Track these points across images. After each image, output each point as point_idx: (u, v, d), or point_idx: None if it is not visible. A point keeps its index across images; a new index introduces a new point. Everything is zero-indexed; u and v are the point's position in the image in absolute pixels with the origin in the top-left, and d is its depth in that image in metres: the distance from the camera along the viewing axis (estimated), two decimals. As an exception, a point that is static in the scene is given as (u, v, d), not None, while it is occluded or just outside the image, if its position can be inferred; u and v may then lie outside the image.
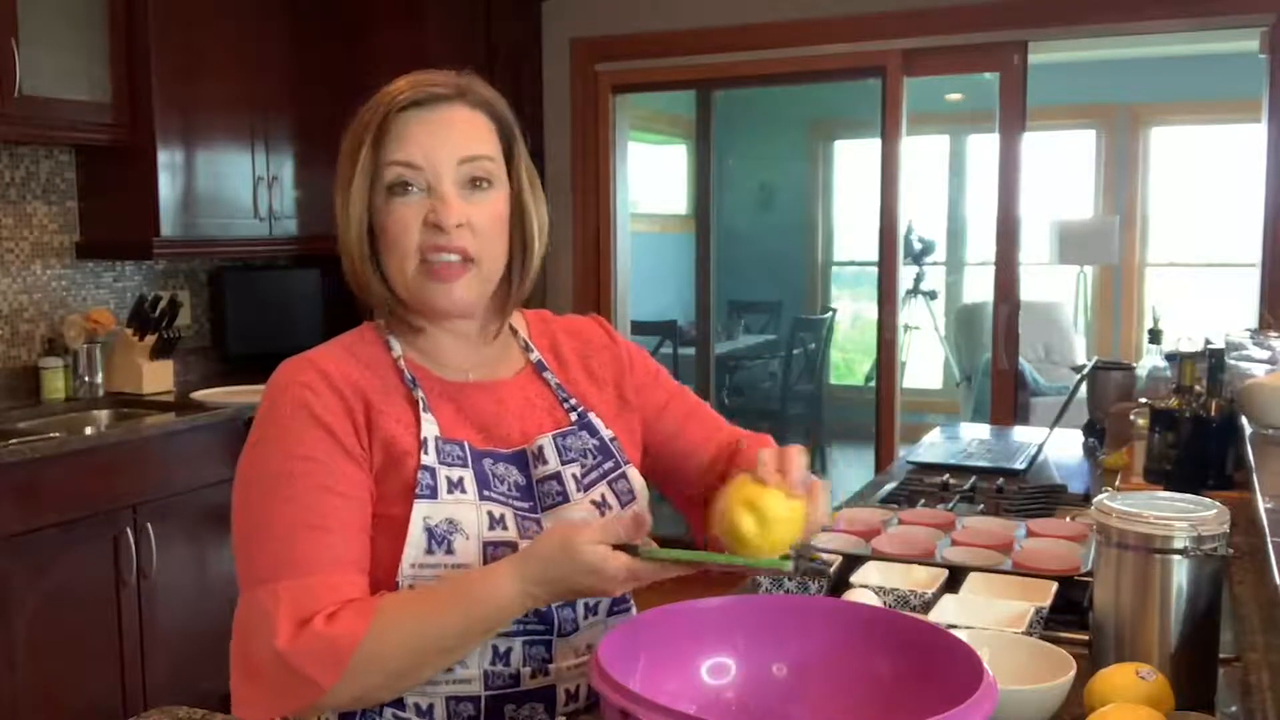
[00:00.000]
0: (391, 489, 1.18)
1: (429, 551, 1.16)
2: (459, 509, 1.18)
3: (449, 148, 1.21)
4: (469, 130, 1.23)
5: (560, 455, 1.26)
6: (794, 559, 1.09)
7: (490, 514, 1.19)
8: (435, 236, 1.20)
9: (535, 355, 1.34)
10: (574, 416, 1.30)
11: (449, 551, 1.16)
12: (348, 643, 1.09)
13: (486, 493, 1.20)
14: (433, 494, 1.17)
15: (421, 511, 1.17)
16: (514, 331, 1.36)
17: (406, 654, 1.11)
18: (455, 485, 1.19)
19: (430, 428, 1.21)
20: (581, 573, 1.08)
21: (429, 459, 1.19)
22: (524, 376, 1.32)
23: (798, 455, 1.14)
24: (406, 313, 1.25)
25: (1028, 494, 2.22)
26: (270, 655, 1.10)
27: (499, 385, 1.29)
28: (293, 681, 1.10)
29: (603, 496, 1.27)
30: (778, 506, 1.09)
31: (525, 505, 1.23)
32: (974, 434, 3.04)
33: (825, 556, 1.67)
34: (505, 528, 1.20)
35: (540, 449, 1.26)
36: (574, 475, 1.26)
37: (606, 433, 1.31)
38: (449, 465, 1.20)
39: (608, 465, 1.29)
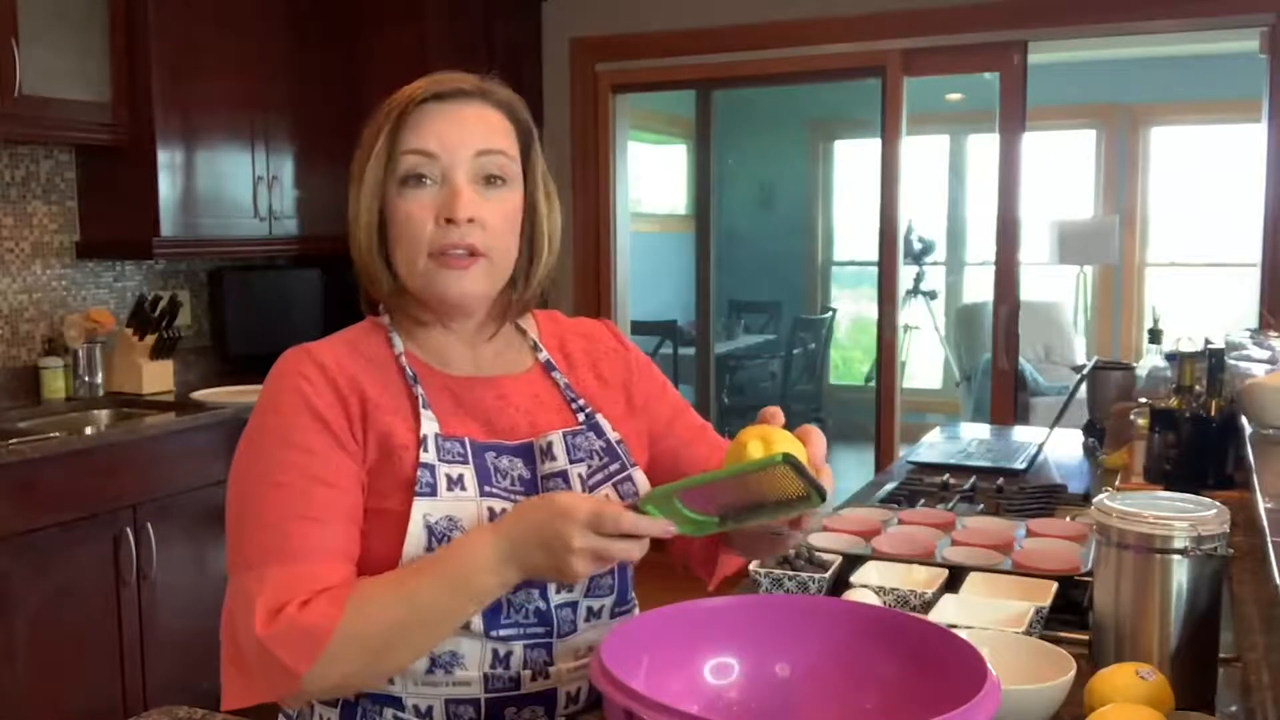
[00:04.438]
0: (388, 483, 1.18)
1: (429, 548, 1.16)
2: (459, 506, 1.18)
3: (466, 139, 1.20)
4: (488, 126, 1.23)
5: (569, 454, 1.26)
6: (786, 461, 1.08)
7: (491, 510, 1.19)
8: (447, 233, 1.19)
9: (544, 355, 1.34)
10: (581, 417, 1.30)
11: None
12: (324, 627, 1.08)
13: (488, 488, 1.20)
14: (433, 491, 1.17)
15: (421, 509, 1.17)
16: (523, 332, 1.36)
17: (385, 628, 1.10)
18: (455, 483, 1.19)
19: (430, 425, 1.21)
20: (552, 516, 1.07)
21: (429, 457, 1.19)
22: (532, 375, 1.32)
23: (816, 431, 1.18)
24: (413, 305, 1.25)
25: (1028, 494, 2.22)
26: (250, 641, 1.10)
27: (503, 381, 1.29)
28: (270, 668, 1.09)
29: (607, 498, 1.26)
30: (784, 438, 1.12)
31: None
32: (974, 434, 3.04)
33: (823, 549, 1.67)
34: None
35: (549, 445, 1.25)
36: (580, 475, 1.25)
37: (613, 435, 1.30)
38: (449, 463, 1.20)
39: (614, 467, 1.28)
